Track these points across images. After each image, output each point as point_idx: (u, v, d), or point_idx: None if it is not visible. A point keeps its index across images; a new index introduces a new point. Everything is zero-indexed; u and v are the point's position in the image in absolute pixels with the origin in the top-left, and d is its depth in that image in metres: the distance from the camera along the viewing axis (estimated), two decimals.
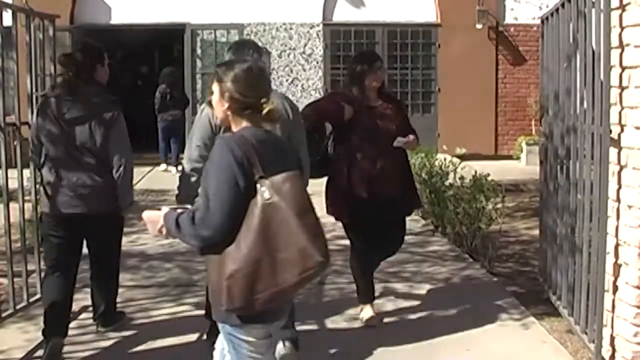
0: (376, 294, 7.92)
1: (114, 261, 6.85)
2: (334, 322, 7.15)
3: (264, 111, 4.16)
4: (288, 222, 3.90)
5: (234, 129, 4.20)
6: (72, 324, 6.90)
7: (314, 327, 7.07)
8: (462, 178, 10.61)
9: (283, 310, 4.33)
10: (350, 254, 7.56)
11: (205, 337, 6.37)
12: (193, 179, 5.68)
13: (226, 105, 4.18)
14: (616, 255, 5.62)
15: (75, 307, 7.35)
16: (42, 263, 7.24)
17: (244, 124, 4.18)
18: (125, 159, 6.23)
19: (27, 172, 7.12)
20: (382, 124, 7.04)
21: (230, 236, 3.92)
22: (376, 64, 7.17)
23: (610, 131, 5.60)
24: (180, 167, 18.22)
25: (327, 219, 11.61)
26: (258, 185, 3.92)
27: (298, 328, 6.90)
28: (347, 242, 10.31)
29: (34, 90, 7.27)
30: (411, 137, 7.09)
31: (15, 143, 7.01)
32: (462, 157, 16.35)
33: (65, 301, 6.38)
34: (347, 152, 7.04)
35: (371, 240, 7.20)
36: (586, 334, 6.14)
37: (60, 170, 6.19)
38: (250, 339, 4.14)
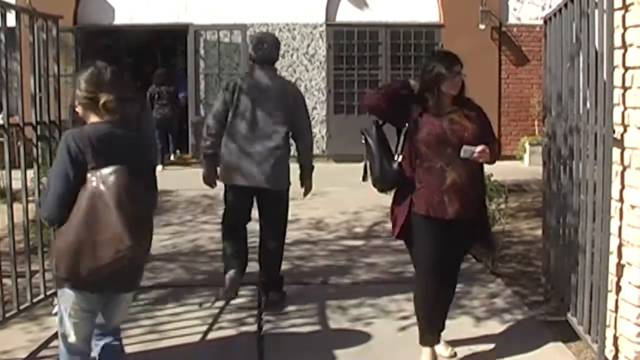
0: (380, 293, 7.92)
1: None
2: (337, 322, 7.15)
3: (100, 103, 4.72)
4: (109, 210, 4.48)
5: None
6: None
7: (317, 327, 7.07)
8: None
9: (104, 284, 4.69)
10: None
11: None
12: None
13: (76, 103, 4.84)
14: (619, 256, 5.62)
15: None
16: (45, 263, 7.25)
17: (92, 118, 4.78)
18: None
19: (30, 173, 7.12)
20: (454, 132, 5.97)
21: (61, 217, 4.57)
22: (455, 67, 6.32)
23: (614, 131, 5.60)
24: (173, 157, 18.67)
25: (331, 219, 11.70)
26: (89, 175, 4.51)
27: (301, 329, 6.93)
28: (350, 242, 10.39)
29: (37, 91, 7.28)
30: (480, 147, 5.90)
31: (18, 144, 7.02)
32: None
33: None
34: (410, 160, 6.05)
35: (432, 269, 6.07)
36: (589, 334, 6.13)
37: None
38: (74, 304, 4.75)
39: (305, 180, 8.09)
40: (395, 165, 6.14)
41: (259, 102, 7.56)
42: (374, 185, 6.40)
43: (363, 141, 6.28)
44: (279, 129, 7.62)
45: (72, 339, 4.83)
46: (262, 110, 7.57)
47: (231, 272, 7.75)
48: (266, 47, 7.75)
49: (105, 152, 4.57)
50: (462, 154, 5.87)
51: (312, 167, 8.15)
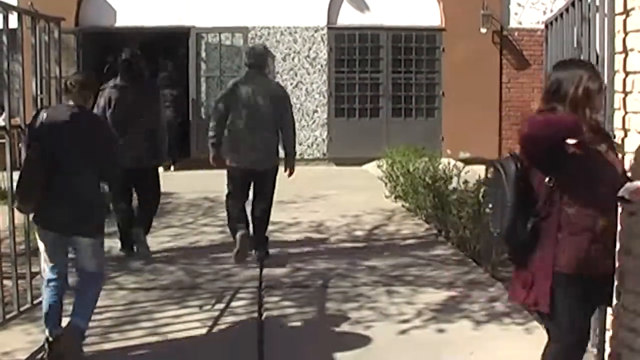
0: (380, 297, 7.95)
1: None
2: (337, 326, 7.15)
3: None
4: None
5: None
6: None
7: (317, 330, 7.08)
8: (466, 182, 10.62)
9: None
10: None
11: None
12: None
13: None
14: (619, 261, 5.62)
15: None
16: None
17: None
18: None
19: None
20: (609, 166, 4.89)
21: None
22: (600, 79, 5.06)
23: (614, 136, 5.61)
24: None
25: (332, 223, 11.71)
26: None
27: (301, 332, 6.93)
28: (352, 244, 10.40)
29: (39, 92, 7.29)
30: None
31: (20, 145, 7.04)
32: (466, 161, 16.33)
33: None
34: (547, 203, 4.82)
35: (582, 340, 5.05)
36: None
37: None
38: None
39: (289, 162, 9.65)
40: (529, 225, 4.84)
41: (252, 100, 9.37)
42: (495, 240, 5.29)
43: (490, 174, 5.43)
44: (269, 122, 9.40)
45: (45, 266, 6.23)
46: (255, 107, 9.36)
47: (240, 232, 9.38)
48: (257, 56, 9.66)
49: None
50: (621, 192, 4.74)
51: (295, 152, 9.78)
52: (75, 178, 6.14)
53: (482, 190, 9.84)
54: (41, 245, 6.22)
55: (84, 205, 6.20)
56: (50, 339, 6.03)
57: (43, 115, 6.30)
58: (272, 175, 9.61)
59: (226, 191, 9.79)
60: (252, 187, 9.66)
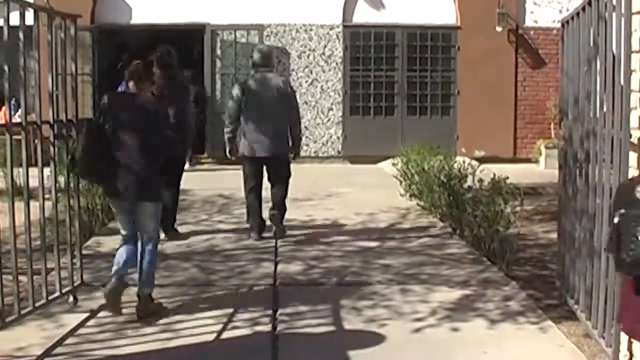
0: (394, 295, 7.94)
1: None
2: (351, 323, 7.14)
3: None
4: None
5: None
6: (90, 322, 6.94)
7: (331, 328, 7.06)
8: (480, 181, 10.59)
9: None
10: None
11: None
12: None
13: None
14: None
15: (93, 305, 7.43)
16: (61, 261, 7.28)
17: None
18: None
19: (47, 171, 7.15)
20: None
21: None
22: None
23: (630, 135, 5.59)
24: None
25: (346, 220, 11.70)
26: None
27: (315, 329, 6.93)
28: (367, 242, 10.39)
29: (54, 89, 7.31)
30: None
31: (36, 141, 7.05)
32: (481, 160, 16.31)
33: None
34: None
35: None
36: (604, 338, 6.12)
37: None
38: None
39: (295, 148, 10.78)
40: None
41: (262, 96, 10.35)
42: (620, 267, 4.55)
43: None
44: (277, 115, 10.33)
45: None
46: (264, 102, 10.32)
47: (254, 218, 10.63)
48: (264, 56, 10.61)
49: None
50: None
51: (300, 139, 11.01)
52: (136, 154, 7.15)
53: (497, 189, 9.82)
54: (115, 214, 7.85)
55: (145, 176, 7.20)
56: (107, 291, 7.08)
57: (104, 99, 7.51)
58: (283, 161, 10.59)
59: (243, 186, 10.74)
60: (268, 176, 10.69)
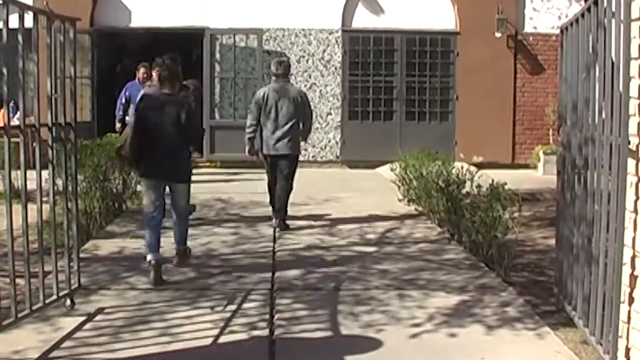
0: (392, 300, 7.94)
1: None
2: (348, 329, 7.14)
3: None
4: None
5: None
6: (87, 326, 6.94)
7: (328, 333, 7.06)
8: (479, 186, 10.59)
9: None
10: None
11: None
12: None
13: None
14: (632, 267, 5.60)
15: (90, 308, 7.42)
16: (58, 264, 7.28)
17: None
18: None
19: (45, 173, 7.15)
20: None
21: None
22: None
23: (629, 142, 5.59)
24: None
25: (344, 225, 11.71)
26: None
27: (312, 334, 6.93)
28: (364, 247, 10.39)
29: (53, 92, 7.31)
30: None
31: (34, 144, 7.05)
32: (479, 166, 16.33)
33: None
34: None
35: None
36: (601, 345, 6.12)
37: None
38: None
39: (304, 135, 12.23)
40: None
41: (279, 102, 11.73)
42: None
43: None
44: (291, 120, 11.75)
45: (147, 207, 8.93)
46: (281, 108, 11.73)
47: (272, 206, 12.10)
48: (285, 67, 12.06)
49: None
50: None
51: (310, 130, 12.42)
52: (170, 143, 8.81)
53: (495, 194, 9.82)
54: (145, 191, 9.08)
55: (177, 161, 8.98)
56: (153, 262, 8.56)
57: (144, 99, 9.51)
58: (292, 160, 11.90)
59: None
60: (274, 172, 11.96)
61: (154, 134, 8.77)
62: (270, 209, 12.20)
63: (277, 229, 11.58)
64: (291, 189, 11.98)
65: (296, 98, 11.84)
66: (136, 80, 14.63)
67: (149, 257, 8.61)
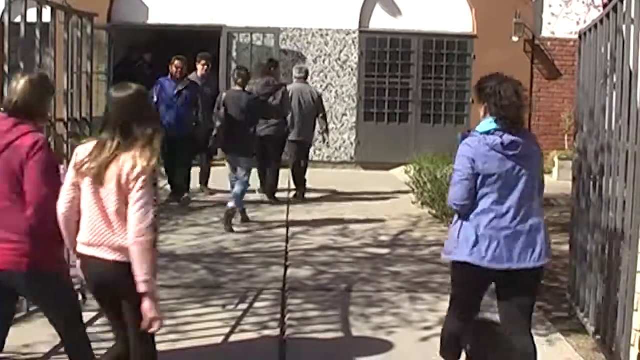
0: (403, 303, 7.93)
1: None
2: (359, 330, 7.14)
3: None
4: None
5: None
6: (98, 321, 6.93)
7: (339, 334, 7.06)
8: None
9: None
10: None
11: None
12: None
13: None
14: None
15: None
16: (71, 260, 7.28)
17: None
18: None
19: (61, 168, 7.15)
20: None
21: None
22: None
23: None
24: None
25: (357, 227, 11.70)
26: None
27: (323, 335, 6.92)
28: (377, 249, 10.37)
29: (69, 87, 7.32)
30: None
31: (50, 139, 7.06)
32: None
33: None
34: None
35: None
36: (613, 353, 6.09)
37: None
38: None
39: (324, 133, 15.06)
40: None
41: (301, 99, 14.51)
42: None
43: None
44: (310, 113, 14.64)
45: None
46: (303, 103, 14.49)
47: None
48: (305, 72, 15.22)
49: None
50: None
51: (327, 125, 15.25)
52: (241, 128, 11.94)
53: None
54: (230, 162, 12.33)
55: (243, 140, 11.97)
56: (237, 209, 11.85)
57: (223, 95, 12.62)
58: (309, 145, 15.10)
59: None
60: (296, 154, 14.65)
61: (231, 122, 12.09)
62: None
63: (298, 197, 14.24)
64: (307, 166, 14.82)
65: (313, 96, 14.75)
66: (168, 76, 13.79)
67: (230, 204, 11.65)
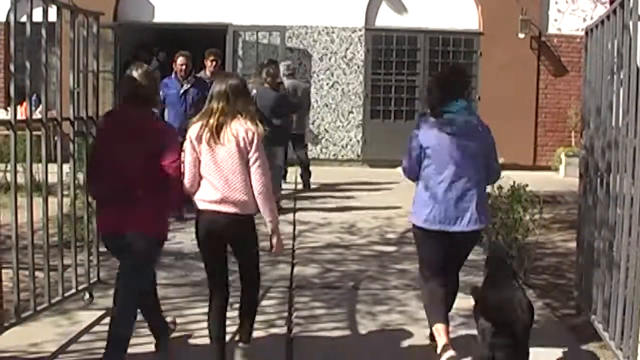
0: (410, 300, 7.92)
1: None
2: (366, 328, 7.14)
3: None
4: None
5: None
6: (105, 320, 6.93)
7: (346, 332, 7.06)
8: (500, 188, 10.54)
9: None
10: None
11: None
12: None
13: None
14: None
15: (109, 303, 7.43)
16: (78, 258, 7.29)
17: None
18: None
19: (66, 167, 7.16)
20: None
21: None
22: None
23: None
24: None
25: (364, 224, 11.68)
26: None
27: (330, 333, 6.92)
28: (384, 247, 10.36)
29: (75, 86, 7.32)
30: None
31: (55, 138, 7.07)
32: (500, 167, 16.25)
33: None
34: None
35: None
36: (621, 350, 6.08)
37: None
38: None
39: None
40: None
41: (297, 93, 15.25)
42: None
43: None
44: (305, 106, 15.84)
45: None
46: (299, 98, 15.06)
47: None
48: (292, 68, 15.88)
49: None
50: None
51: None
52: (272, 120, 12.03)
53: (516, 196, 9.78)
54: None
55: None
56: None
57: (253, 92, 11.71)
58: (303, 137, 16.22)
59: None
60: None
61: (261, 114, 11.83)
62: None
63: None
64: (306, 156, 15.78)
65: (304, 90, 15.82)
66: (172, 75, 12.78)
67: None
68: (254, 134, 5.91)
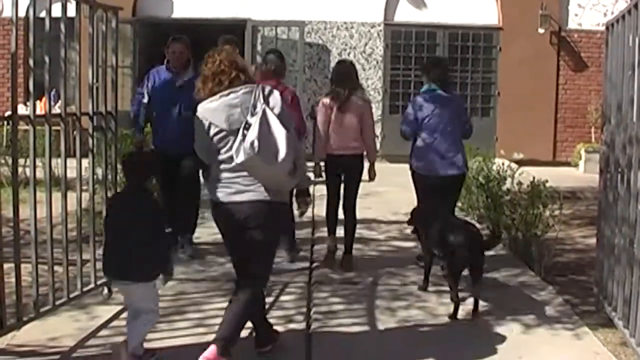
0: (429, 296, 7.90)
1: None
2: (385, 324, 7.12)
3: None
4: None
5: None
6: (123, 315, 6.93)
7: (365, 327, 7.04)
8: (519, 183, 10.51)
9: None
10: None
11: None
12: None
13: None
14: None
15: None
16: (97, 253, 7.29)
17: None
18: None
19: (85, 162, 7.17)
20: None
21: None
22: None
23: None
24: None
25: (381, 220, 11.63)
26: None
27: (349, 329, 6.90)
28: (403, 242, 10.33)
29: (94, 81, 7.33)
30: None
31: (75, 133, 7.08)
32: (520, 162, 16.23)
33: None
34: None
35: None
36: None
37: None
38: None
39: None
40: None
41: None
42: None
43: None
44: None
45: None
46: None
47: None
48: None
49: None
50: None
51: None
52: None
53: (536, 192, 9.75)
54: None
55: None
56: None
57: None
58: None
59: None
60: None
61: None
62: None
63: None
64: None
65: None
66: (164, 65, 9.83)
67: None
68: (369, 108, 9.87)
